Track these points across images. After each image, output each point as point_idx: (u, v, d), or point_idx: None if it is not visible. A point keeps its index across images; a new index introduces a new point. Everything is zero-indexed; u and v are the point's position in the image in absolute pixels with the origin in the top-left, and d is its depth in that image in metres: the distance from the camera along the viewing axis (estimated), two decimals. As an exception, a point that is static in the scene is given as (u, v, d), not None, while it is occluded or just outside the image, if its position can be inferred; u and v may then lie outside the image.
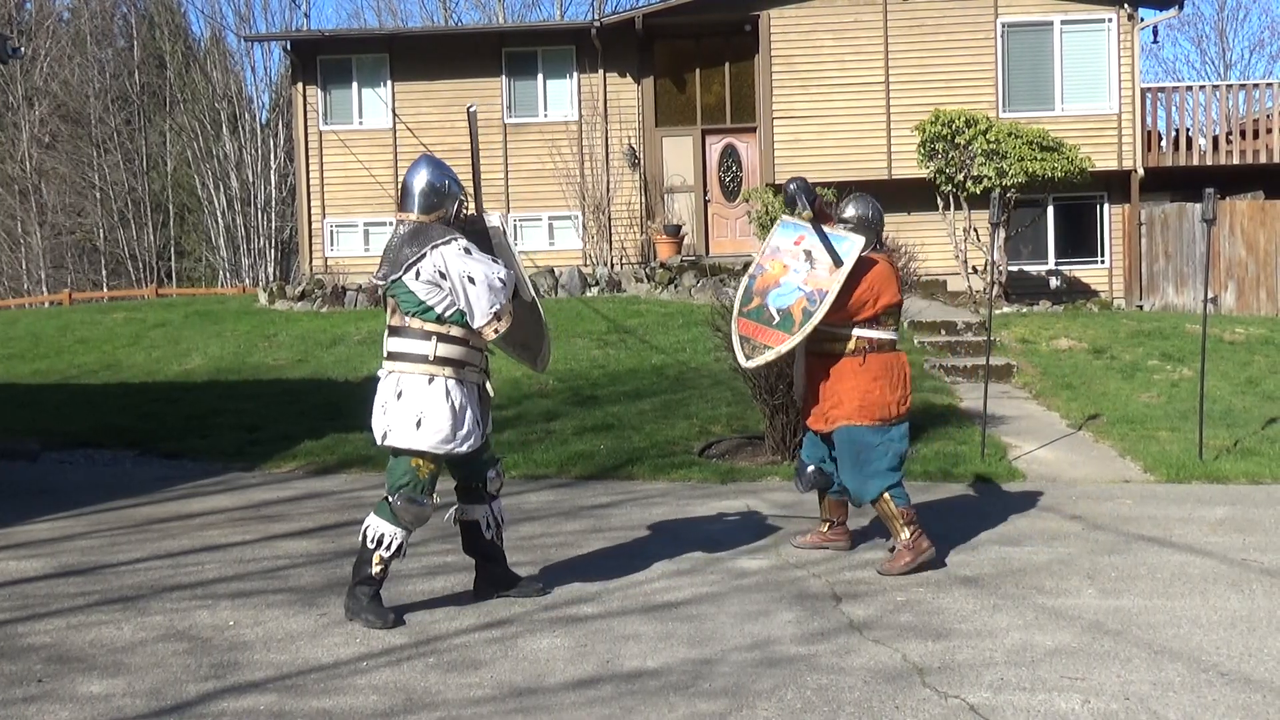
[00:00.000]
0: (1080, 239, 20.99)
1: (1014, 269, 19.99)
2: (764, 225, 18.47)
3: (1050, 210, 20.70)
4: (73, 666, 4.82)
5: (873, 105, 20.34)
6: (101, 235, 40.83)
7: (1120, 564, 6.36)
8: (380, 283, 5.52)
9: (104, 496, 8.69)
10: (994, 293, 18.14)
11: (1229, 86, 21.60)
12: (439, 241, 5.38)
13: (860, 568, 6.31)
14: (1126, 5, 20.22)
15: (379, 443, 5.46)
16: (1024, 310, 17.83)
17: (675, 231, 20.73)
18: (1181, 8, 20.84)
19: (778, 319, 6.14)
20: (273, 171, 39.05)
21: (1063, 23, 20.34)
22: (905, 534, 6.15)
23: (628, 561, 6.51)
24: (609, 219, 21.33)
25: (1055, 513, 7.73)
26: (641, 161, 21.32)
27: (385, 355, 5.55)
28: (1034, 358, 14.10)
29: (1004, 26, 20.34)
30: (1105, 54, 20.31)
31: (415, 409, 5.32)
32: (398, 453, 5.42)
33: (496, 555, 5.82)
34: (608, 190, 21.27)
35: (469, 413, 5.42)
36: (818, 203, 6.53)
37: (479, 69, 21.41)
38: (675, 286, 19.24)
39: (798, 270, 6.22)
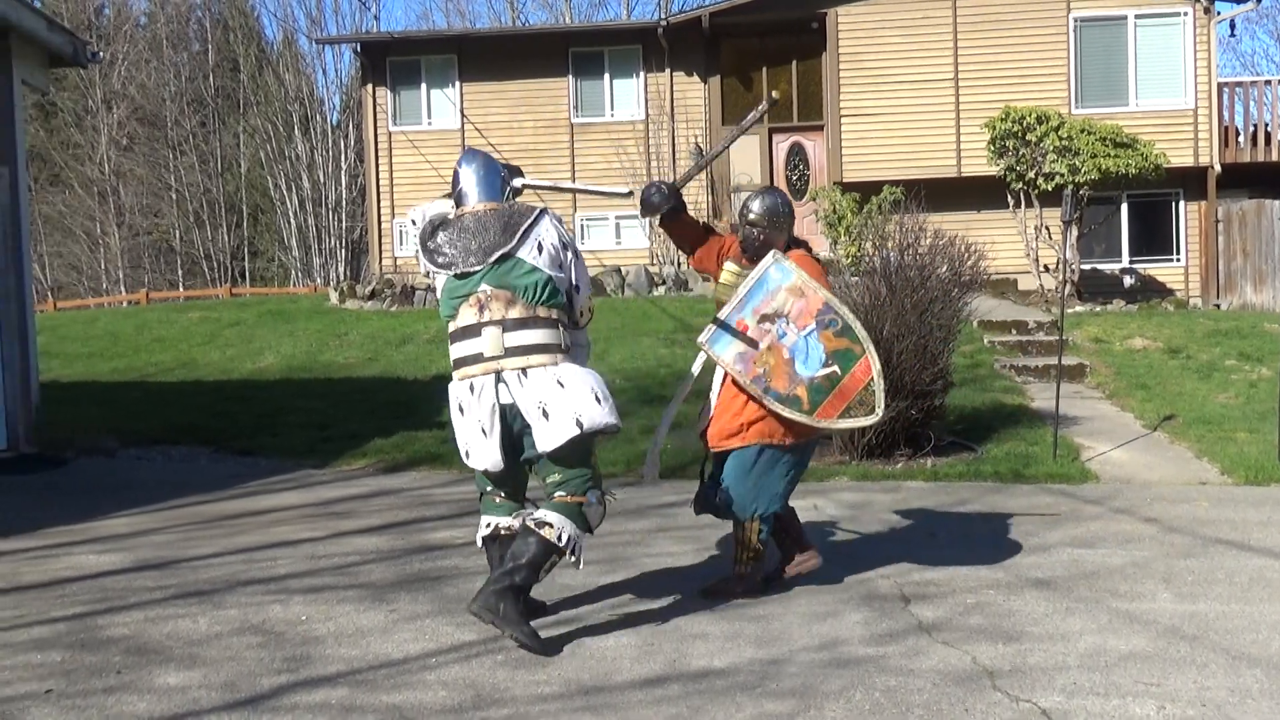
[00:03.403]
0: (1155, 237, 20.63)
1: (1087, 267, 19.68)
2: (831, 224, 18.38)
3: (1124, 207, 20.36)
4: (150, 658, 4.90)
5: (942, 102, 20.14)
6: (177, 236, 41.60)
7: (1197, 568, 6.24)
8: (476, 267, 4.95)
9: (179, 492, 8.85)
10: (1066, 291, 17.85)
11: (1310, 80, 21.11)
12: (539, 212, 5.06)
13: (930, 568, 6.25)
14: (1203, -1, 19.84)
15: (562, 441, 4.84)
16: (1097, 309, 17.56)
17: (742, 230, 20.66)
18: (1260, 0, 20.40)
19: (838, 371, 5.42)
20: (343, 172, 39.53)
21: (1137, 17, 20.00)
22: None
23: (694, 560, 6.51)
24: (676, 218, 21.30)
25: (1130, 515, 7.60)
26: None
27: (502, 352, 4.93)
28: (1107, 357, 13.88)
29: (1076, 21, 20.04)
30: (1181, 48, 19.94)
31: (588, 386, 4.93)
32: (579, 442, 4.90)
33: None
34: (674, 189, 21.23)
35: None
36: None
37: (546, 69, 21.52)
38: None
39: (778, 332, 5.45)
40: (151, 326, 19.70)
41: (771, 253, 5.57)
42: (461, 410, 5.03)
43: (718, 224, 20.88)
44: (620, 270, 20.22)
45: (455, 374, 5.10)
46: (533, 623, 4.94)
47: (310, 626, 5.36)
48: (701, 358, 5.86)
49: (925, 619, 5.36)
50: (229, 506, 8.31)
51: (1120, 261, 20.47)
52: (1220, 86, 20.19)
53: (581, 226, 21.61)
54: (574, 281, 5.18)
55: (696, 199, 21.31)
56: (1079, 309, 17.26)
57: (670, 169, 21.25)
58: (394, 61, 21.97)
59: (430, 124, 21.93)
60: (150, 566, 6.55)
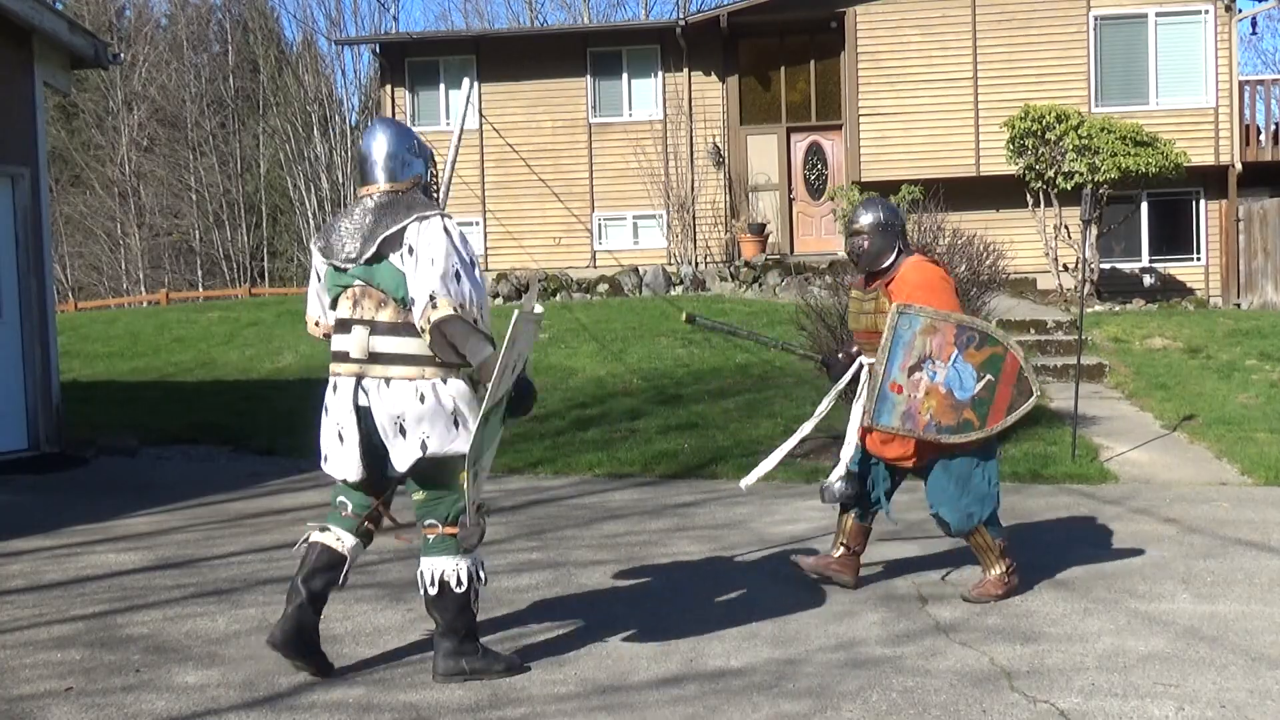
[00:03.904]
0: (1175, 236, 20.52)
1: (1106, 267, 19.60)
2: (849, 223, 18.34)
3: (1144, 206, 20.26)
4: (169, 657, 4.93)
5: (960, 101, 20.08)
6: (197, 236, 41.79)
7: (1216, 568, 6.21)
8: (349, 262, 4.52)
9: (199, 491, 8.89)
10: (1085, 291, 17.74)
11: (1332, 78, 20.97)
12: (425, 212, 4.52)
13: (946, 569, 6.23)
14: (1224, -4, 19.73)
15: (409, 464, 4.48)
16: (1116, 309, 17.47)
17: (760, 230, 20.67)
18: (1282, -2, 20.28)
19: (991, 378, 5.48)
20: (362, 172, 39.63)
21: (1157, 15, 19.89)
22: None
23: (711, 560, 6.51)
24: (693, 218, 21.33)
25: (1149, 515, 7.57)
26: (726, 160, 21.28)
27: (366, 357, 4.51)
28: (1127, 357, 13.82)
29: (1096, 19, 19.95)
30: (1201, 46, 19.83)
31: (449, 408, 4.49)
32: (438, 463, 4.50)
33: (320, 608, 4.71)
34: (692, 189, 21.26)
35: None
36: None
37: (564, 69, 21.54)
38: (760, 285, 19.19)
39: (929, 375, 5.48)
40: (171, 326, 19.80)
41: (892, 308, 5.50)
42: (326, 410, 4.69)
43: (734, 223, 20.90)
44: (638, 270, 20.22)
45: (330, 368, 4.70)
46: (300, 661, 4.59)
47: (328, 626, 5.36)
48: (829, 399, 6.09)
49: (943, 619, 5.35)
50: (249, 505, 8.35)
51: (1140, 260, 20.37)
52: (1241, 84, 20.06)
53: (600, 225, 21.62)
54: (412, 289, 4.44)
55: (714, 199, 21.31)
56: (1098, 308, 17.18)
57: (689, 169, 21.23)
58: (412, 62, 22.03)
59: (448, 124, 21.96)
60: (170, 565, 6.59)
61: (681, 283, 19.94)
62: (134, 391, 14.38)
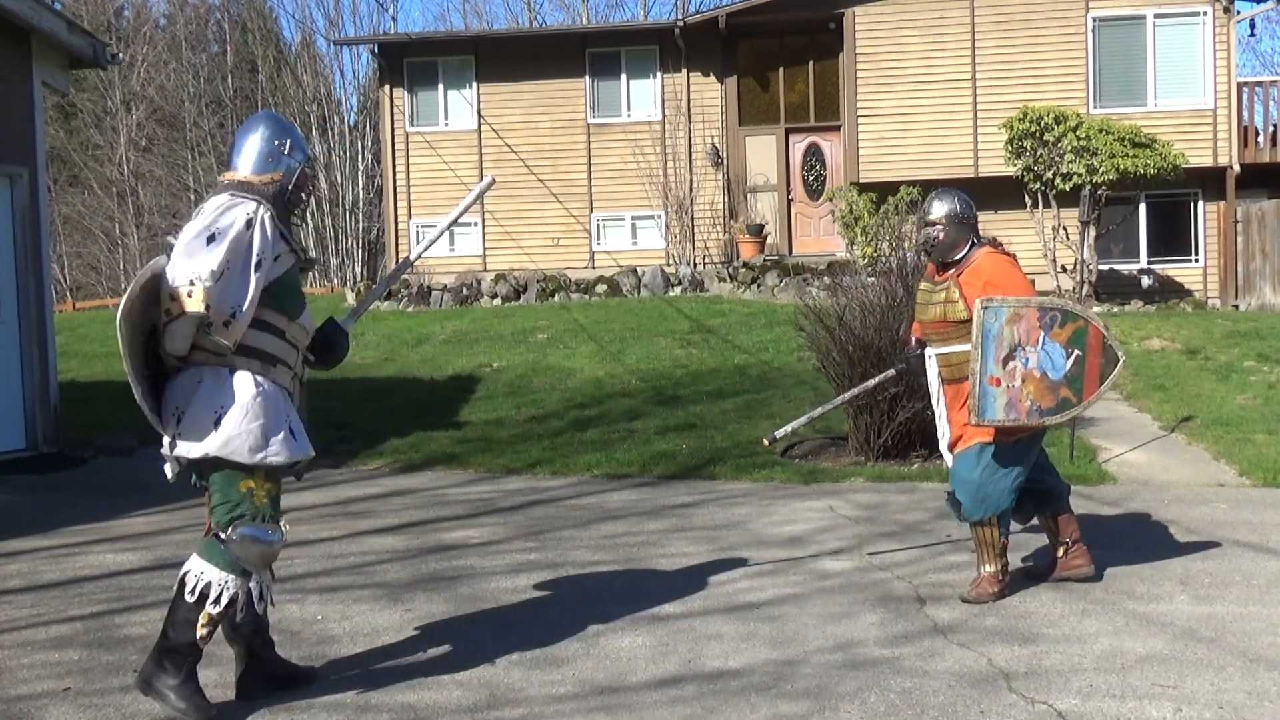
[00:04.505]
0: (1173, 237, 20.53)
1: (1104, 268, 19.60)
2: (848, 224, 18.37)
3: (1142, 208, 20.27)
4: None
5: (959, 102, 20.09)
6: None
7: (1214, 570, 6.21)
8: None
9: (197, 492, 8.81)
10: (1084, 292, 17.82)
11: (1330, 80, 20.98)
12: (244, 196, 4.23)
13: (944, 570, 6.23)
14: (1222, -2, 19.75)
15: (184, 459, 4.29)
16: (1114, 310, 17.48)
17: (758, 231, 20.68)
18: (1280, 0, 20.31)
19: (1080, 352, 5.58)
20: (360, 173, 39.64)
21: (1156, 16, 19.91)
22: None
23: (710, 561, 6.50)
24: (692, 218, 21.33)
25: (1147, 516, 7.57)
26: (724, 161, 21.28)
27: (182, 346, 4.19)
28: (1125, 358, 13.82)
29: (1095, 20, 19.97)
30: (1200, 48, 19.85)
31: (214, 405, 4.18)
32: (209, 463, 4.27)
33: (267, 637, 4.52)
34: (690, 190, 21.27)
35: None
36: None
37: (562, 70, 21.54)
38: (758, 286, 19.20)
39: (1022, 361, 5.52)
40: (170, 326, 19.73)
41: (976, 305, 5.51)
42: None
43: (733, 224, 20.90)
44: (636, 270, 20.23)
45: None
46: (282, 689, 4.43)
47: (326, 626, 5.38)
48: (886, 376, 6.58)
49: (941, 620, 5.35)
50: (246, 506, 8.34)
51: (1138, 262, 20.38)
52: (1240, 86, 20.08)
53: (598, 226, 21.63)
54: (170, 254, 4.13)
55: (713, 200, 21.32)
56: (1096, 309, 17.18)
57: (687, 170, 21.24)
58: (411, 63, 22.03)
59: (447, 125, 21.97)
60: (168, 565, 6.56)
61: (680, 283, 19.95)
62: (131, 392, 14.34)
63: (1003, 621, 5.33)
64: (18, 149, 10.65)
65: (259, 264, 4.17)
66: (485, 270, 21.41)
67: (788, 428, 6.39)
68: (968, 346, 5.55)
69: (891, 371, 6.66)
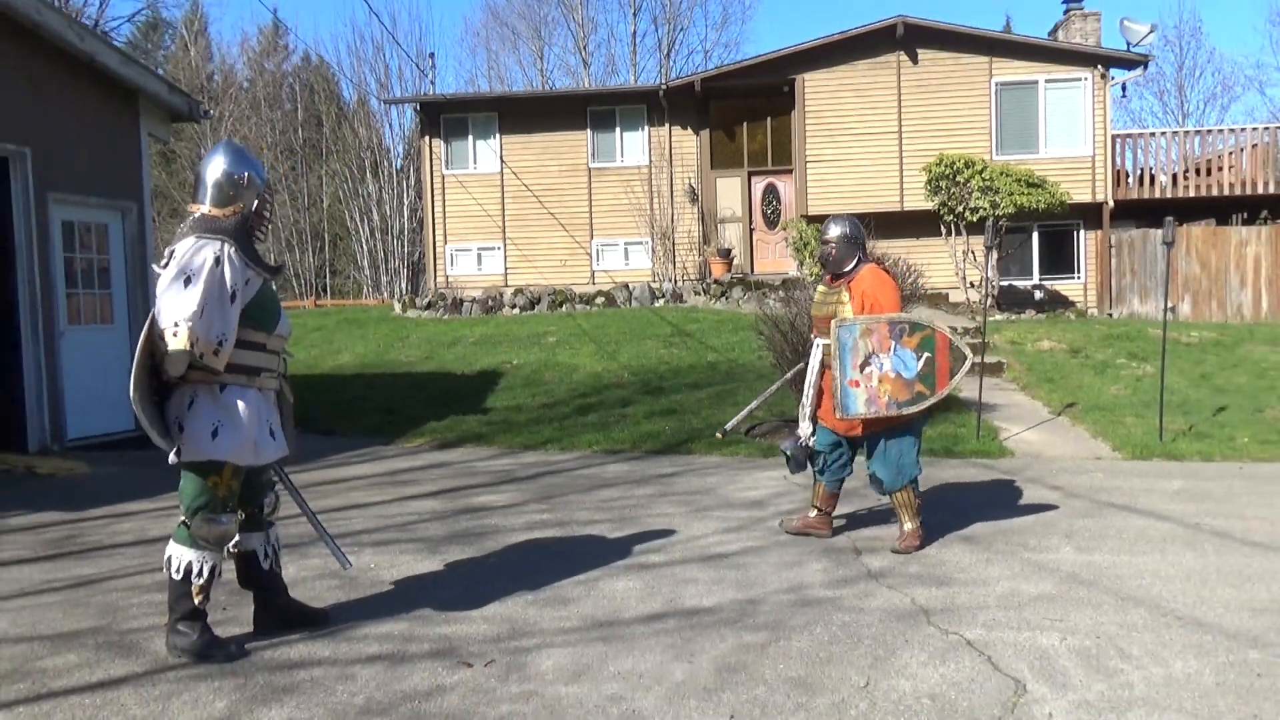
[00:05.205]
0: (1060, 259, 20.57)
1: (1005, 284, 19.64)
2: (798, 249, 18.36)
3: (1035, 235, 20.30)
4: (248, 598, 4.89)
5: (888, 150, 20.10)
6: (273, 258, 41.58)
7: (1092, 526, 6.23)
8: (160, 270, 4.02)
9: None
10: (988, 303, 17.80)
11: (1186, 132, 21.02)
12: (209, 236, 3.96)
13: (877, 525, 6.24)
14: (1100, 66, 19.76)
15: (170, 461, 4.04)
16: (1012, 318, 17.51)
17: (726, 254, 20.67)
18: (1146, 68, 20.34)
19: (929, 354, 5.60)
20: (405, 207, 39.50)
21: (1046, 81, 19.94)
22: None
23: (688, 520, 6.51)
24: (673, 244, 21.30)
25: (1038, 483, 7.59)
26: (699, 197, 21.26)
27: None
28: (1021, 357, 13.86)
29: (997, 85, 19.98)
30: (1081, 106, 19.87)
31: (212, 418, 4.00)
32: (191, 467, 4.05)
33: (277, 586, 4.44)
34: (672, 221, 21.24)
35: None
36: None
37: (568, 124, 21.50)
38: (726, 298, 19.19)
39: (877, 365, 5.56)
40: (251, 331, 19.64)
41: (832, 324, 5.60)
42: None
43: (706, 248, 20.88)
44: (628, 286, 20.19)
45: None
46: (294, 629, 4.32)
47: (378, 573, 5.37)
48: (799, 369, 6.41)
49: (873, 568, 5.36)
50: (314, 476, 8.33)
51: (1032, 279, 20.41)
52: (1114, 138, 20.10)
53: (597, 250, 21.59)
54: (154, 300, 3.96)
55: (690, 229, 21.30)
56: (998, 317, 17.21)
57: (669, 205, 21.21)
58: (447, 118, 21.95)
59: (476, 168, 21.90)
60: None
61: (663, 296, 19.92)
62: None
63: (923, 569, 5.34)
64: (129, 188, 10.61)
65: (234, 295, 3.98)
66: (506, 285, 21.36)
67: (732, 422, 6.39)
68: None
69: (777, 385, 6.85)
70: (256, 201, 4.16)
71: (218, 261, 3.95)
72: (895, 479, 5.71)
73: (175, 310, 3.88)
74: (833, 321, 5.58)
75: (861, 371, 5.56)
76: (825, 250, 5.82)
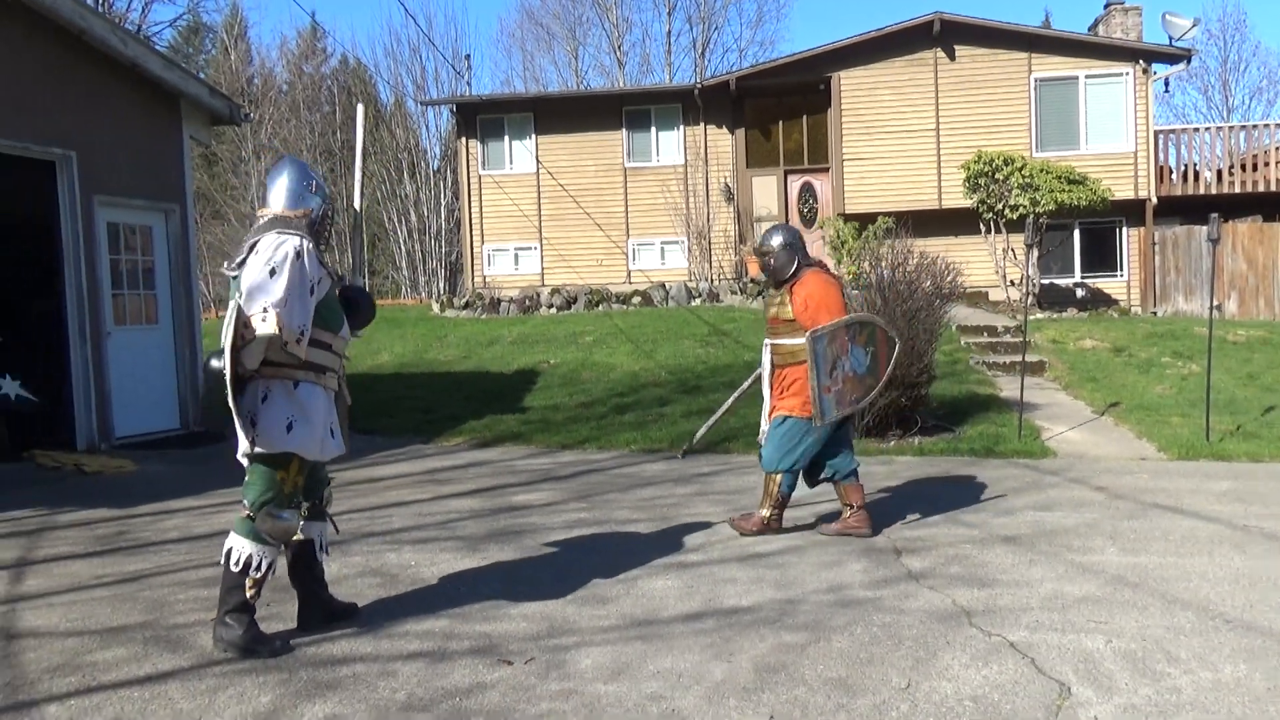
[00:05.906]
0: (1102, 256, 20.30)
1: (1045, 282, 19.41)
2: (836, 248, 18.27)
3: (1076, 233, 20.05)
4: (291, 595, 4.92)
5: (926, 148, 19.94)
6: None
7: (1138, 527, 6.14)
8: (234, 272, 4.09)
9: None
10: (1028, 302, 17.65)
11: (1231, 128, 20.66)
12: (288, 232, 4.11)
13: (917, 527, 6.20)
14: (1141, 61, 19.48)
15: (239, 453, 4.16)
16: (1054, 316, 17.30)
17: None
18: (1189, 62, 20.02)
19: (874, 349, 5.99)
20: (442, 207, 39.76)
21: (1087, 77, 19.68)
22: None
23: (727, 518, 6.49)
24: (709, 243, 21.28)
25: (1082, 484, 7.50)
26: (735, 197, 21.21)
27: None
28: (1063, 355, 13.69)
29: (1037, 81, 19.75)
30: (1123, 102, 19.60)
31: (263, 415, 4.09)
32: (259, 459, 4.16)
33: (321, 578, 4.53)
34: (708, 220, 21.21)
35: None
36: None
37: (604, 124, 21.53)
38: (762, 297, 19.12)
39: (843, 367, 5.84)
40: (291, 331, 19.84)
41: (808, 335, 5.72)
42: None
43: (742, 248, 20.82)
44: (665, 285, 20.19)
45: None
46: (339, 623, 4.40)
47: (418, 570, 5.40)
48: (756, 374, 6.56)
49: (914, 568, 5.32)
50: (354, 474, 8.40)
51: (1074, 277, 20.16)
52: (1156, 134, 19.81)
53: (633, 250, 21.61)
54: (242, 296, 3.96)
55: (725, 228, 21.25)
56: (1039, 316, 17.02)
57: (705, 204, 21.19)
58: (483, 119, 22.07)
59: (512, 169, 22.00)
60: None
61: (699, 296, 19.91)
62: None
63: (964, 569, 5.29)
64: (171, 190, 10.77)
65: (312, 288, 4.11)
66: (543, 285, 21.44)
67: (699, 433, 6.64)
68: (791, 340, 5.86)
69: (748, 383, 7.03)
70: (323, 208, 4.34)
71: (299, 255, 4.06)
72: (772, 461, 5.89)
73: (264, 296, 3.97)
74: (808, 334, 5.73)
75: (831, 376, 5.80)
76: (765, 260, 6.07)
